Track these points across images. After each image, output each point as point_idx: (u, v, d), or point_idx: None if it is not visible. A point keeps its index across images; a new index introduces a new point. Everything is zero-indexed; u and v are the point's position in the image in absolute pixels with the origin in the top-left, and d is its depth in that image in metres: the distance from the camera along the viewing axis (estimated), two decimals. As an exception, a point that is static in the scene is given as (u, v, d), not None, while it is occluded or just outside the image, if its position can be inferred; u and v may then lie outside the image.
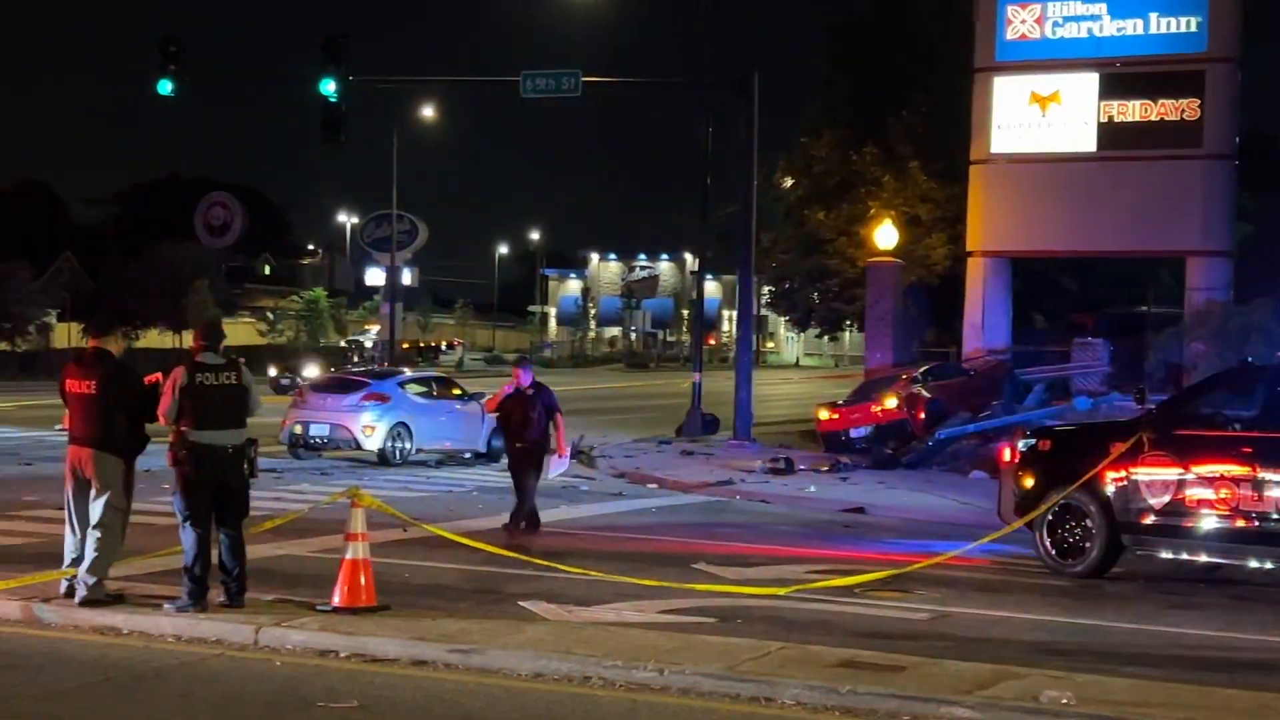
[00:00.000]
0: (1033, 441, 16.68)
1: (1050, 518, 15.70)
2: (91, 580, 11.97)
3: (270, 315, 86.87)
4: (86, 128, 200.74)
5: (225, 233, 70.34)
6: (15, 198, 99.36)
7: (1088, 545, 15.49)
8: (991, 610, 13.46)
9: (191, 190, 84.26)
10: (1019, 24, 32.46)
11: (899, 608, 13.36)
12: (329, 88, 32.76)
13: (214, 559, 12.15)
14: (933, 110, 40.31)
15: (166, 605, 11.97)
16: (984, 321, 33.79)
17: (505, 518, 18.91)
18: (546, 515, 20.38)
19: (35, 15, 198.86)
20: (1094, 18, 31.79)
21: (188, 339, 67.27)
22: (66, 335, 68.00)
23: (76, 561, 12.16)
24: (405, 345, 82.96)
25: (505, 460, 28.20)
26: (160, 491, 17.12)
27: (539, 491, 20.77)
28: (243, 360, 12.79)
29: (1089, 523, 15.47)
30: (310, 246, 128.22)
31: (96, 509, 12.04)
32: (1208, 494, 14.63)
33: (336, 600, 12.00)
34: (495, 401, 19.47)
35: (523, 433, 18.38)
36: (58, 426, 13.33)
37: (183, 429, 12.03)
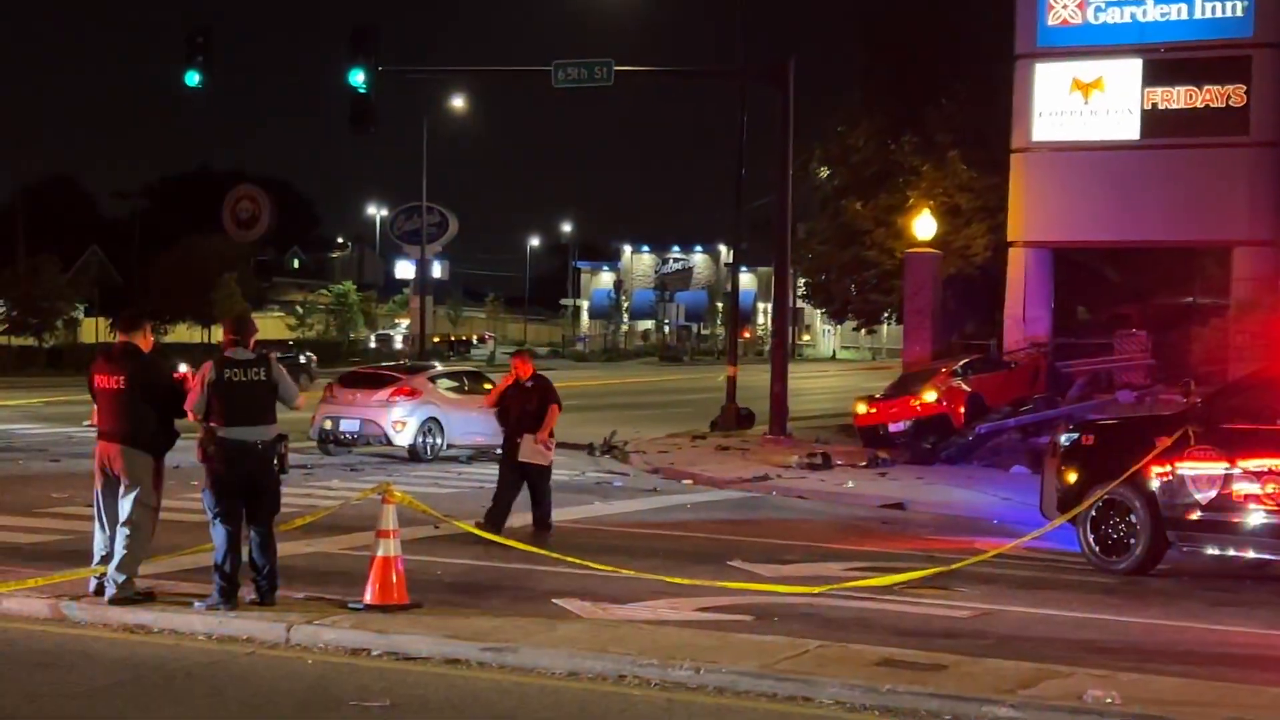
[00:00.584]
0: (1075, 436, 16.45)
1: (1094, 514, 15.46)
2: (121, 578, 11.87)
3: (299, 309, 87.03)
4: (115, 121, 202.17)
5: (254, 226, 70.62)
6: (43, 192, 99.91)
7: (1132, 541, 15.24)
8: (1034, 608, 13.24)
9: (220, 183, 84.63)
10: (1060, 9, 32.07)
11: (939, 605, 13.15)
12: (358, 78, 32.67)
13: (244, 556, 12.02)
14: (972, 98, 39.94)
15: (197, 603, 11.87)
16: (1025, 313, 33.45)
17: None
18: (580, 511, 20.26)
19: (64, 8, 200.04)
20: (1137, 2, 31.38)
21: (216, 333, 67.62)
22: (94, 330, 68.28)
23: (106, 559, 12.07)
24: (436, 339, 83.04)
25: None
26: (190, 488, 17.08)
27: (571, 486, 20.65)
28: (274, 354, 12.62)
29: (1133, 519, 15.21)
30: (340, 240, 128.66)
31: (125, 506, 11.93)
32: (1255, 489, 14.37)
33: (368, 598, 11.88)
34: (494, 395, 18.70)
35: (520, 428, 17.77)
36: (86, 423, 13.26)
37: (212, 425, 11.90)
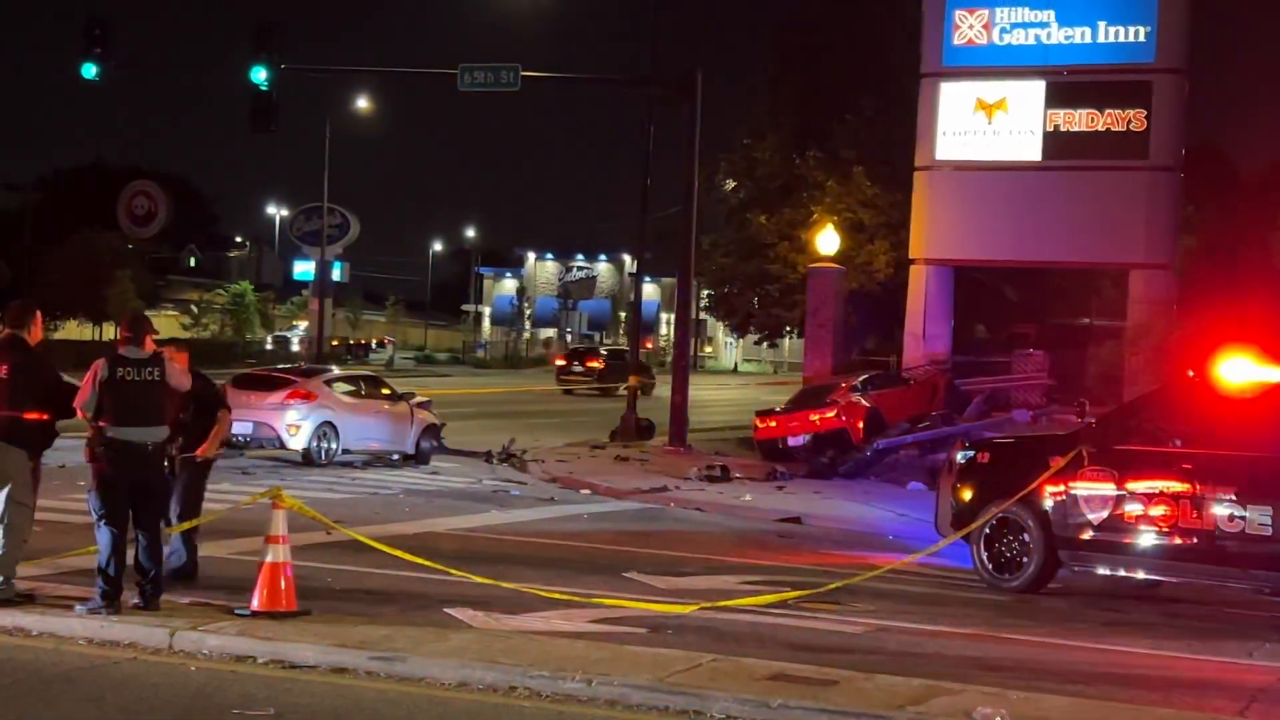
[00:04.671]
0: (971, 453, 16.56)
1: (987, 531, 15.54)
2: (-1, 579, 11.55)
3: (195, 308, 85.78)
4: (7, 111, 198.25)
5: (149, 222, 69.33)
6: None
7: (1025, 560, 15.34)
8: (927, 624, 13.27)
9: (116, 178, 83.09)
10: (966, 29, 32.38)
11: (833, 620, 13.13)
12: (260, 75, 32.28)
13: (129, 559, 11.74)
14: (877, 115, 40.26)
15: (78, 606, 11.60)
16: (925, 330, 33.71)
17: (433, 523, 18.50)
18: (477, 520, 20.06)
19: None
20: (1042, 25, 31.76)
21: (109, 330, 66.52)
22: (-21, 324, 66.73)
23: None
24: (335, 342, 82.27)
25: (430, 463, 28.08)
26: (77, 488, 16.68)
27: (468, 494, 20.38)
28: (169, 351, 12.32)
29: (1026, 537, 15.31)
30: (238, 239, 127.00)
31: (-1, 504, 11.61)
32: (1147, 510, 14.49)
33: (255, 604, 11.66)
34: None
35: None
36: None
37: (101, 424, 11.63)
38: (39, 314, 12.31)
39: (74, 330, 71.33)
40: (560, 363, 67.07)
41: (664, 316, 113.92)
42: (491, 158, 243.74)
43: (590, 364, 63.48)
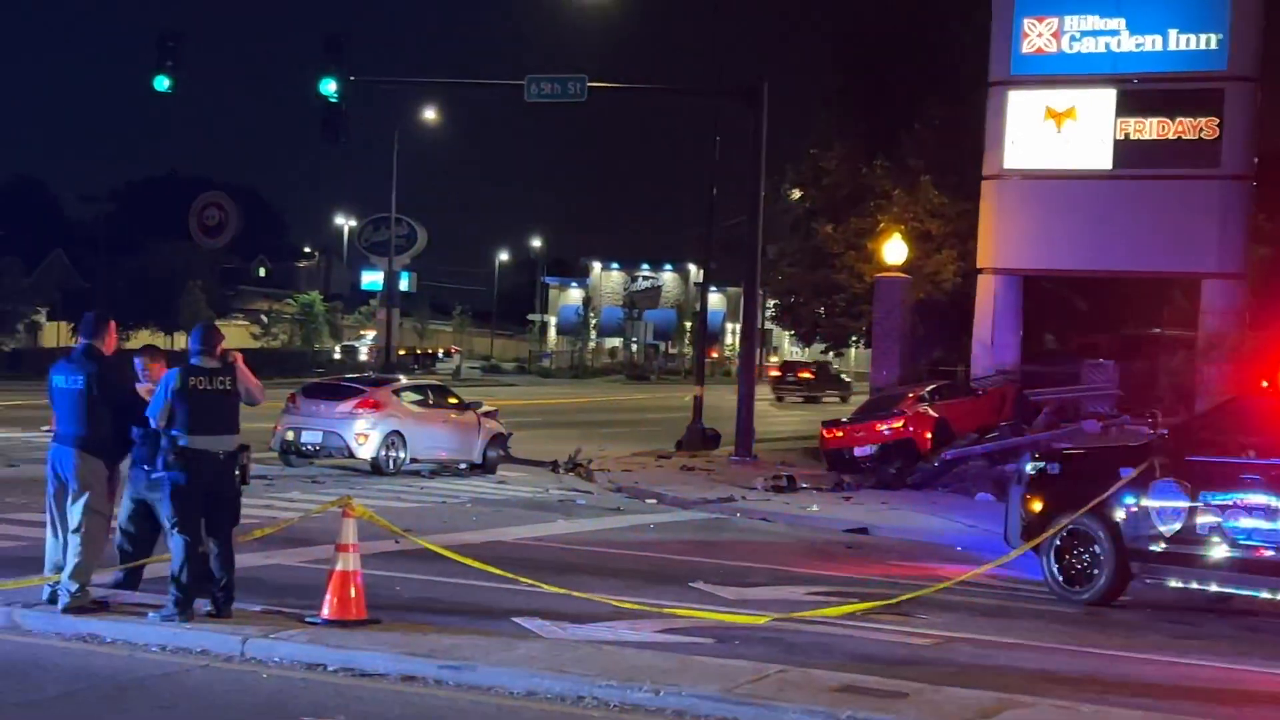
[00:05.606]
0: (1041, 464, 16.41)
1: (1058, 543, 15.42)
2: (74, 586, 11.68)
3: (264, 318, 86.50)
4: (84, 124, 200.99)
5: (220, 233, 70.03)
6: (9, 193, 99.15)
7: (1095, 572, 15.21)
8: (996, 636, 13.16)
9: (188, 189, 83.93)
10: (1035, 38, 32.12)
11: (901, 632, 13.07)
12: (330, 87, 32.52)
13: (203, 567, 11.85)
14: (945, 124, 39.98)
15: (151, 614, 11.72)
16: (993, 340, 33.45)
17: (500, 532, 18.55)
18: (543, 529, 20.12)
19: (35, 8, 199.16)
20: (1112, 33, 31.45)
21: (180, 340, 67.14)
22: (56, 334, 67.64)
23: (59, 567, 11.86)
24: (402, 352, 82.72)
25: (497, 472, 28.22)
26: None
27: (534, 504, 20.38)
28: (239, 357, 12.39)
29: (1097, 549, 15.18)
30: (307, 249, 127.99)
31: (75, 512, 11.74)
32: (1220, 522, 14.33)
33: (326, 612, 11.73)
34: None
35: None
36: (45, 428, 13.05)
37: (174, 434, 11.74)
38: (113, 324, 12.45)
39: (146, 339, 72.00)
40: (775, 374, 74.86)
41: (729, 326, 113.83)
42: (558, 168, 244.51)
43: (802, 375, 72.20)
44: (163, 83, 32.69)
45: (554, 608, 13.08)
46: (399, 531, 14.15)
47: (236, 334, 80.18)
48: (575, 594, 13.36)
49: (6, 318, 65.74)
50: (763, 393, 56.49)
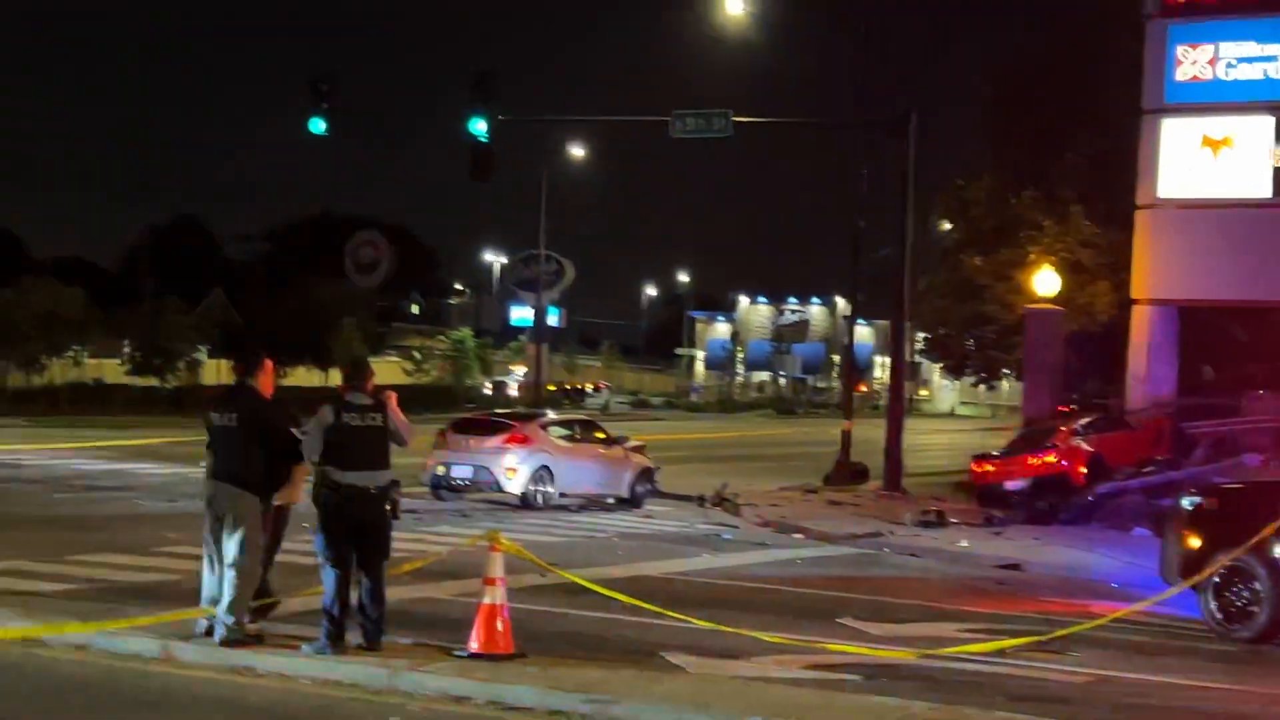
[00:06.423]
0: (1198, 499, 16.04)
1: (1216, 580, 15.04)
2: (230, 619, 11.90)
3: (417, 355, 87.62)
4: (242, 165, 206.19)
5: (373, 271, 71.49)
6: (171, 233, 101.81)
7: (1255, 610, 14.83)
8: (1151, 675, 12.88)
9: (342, 228, 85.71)
10: (1189, 65, 31.52)
11: (1053, 669, 12.82)
12: (478, 126, 32.93)
13: (353, 600, 12.01)
14: (1097, 153, 39.43)
15: (304, 647, 11.88)
16: (1148, 372, 32.78)
17: (647, 567, 18.55)
18: (689, 564, 20.09)
19: (194, 53, 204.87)
20: (1269, 59, 30.75)
21: (334, 377, 68.33)
22: (215, 371, 69.07)
23: (215, 600, 12.10)
24: (551, 387, 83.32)
25: (644, 506, 28.28)
26: (303, 531, 17.15)
27: (680, 538, 20.25)
28: (392, 395, 12.54)
29: (1257, 586, 14.80)
30: (458, 286, 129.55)
31: (231, 547, 11.96)
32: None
33: (473, 646, 11.81)
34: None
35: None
36: (204, 463, 13.34)
37: (326, 468, 11.93)
38: (268, 362, 12.67)
39: (302, 376, 73.43)
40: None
41: (878, 359, 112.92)
42: (704, 202, 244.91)
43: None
44: (317, 125, 33.45)
45: (700, 643, 13.05)
46: (546, 565, 14.20)
47: (389, 370, 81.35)
48: (722, 628, 13.31)
49: (168, 355, 67.28)
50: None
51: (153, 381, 67.32)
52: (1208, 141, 31.43)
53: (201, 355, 72.04)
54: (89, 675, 11.39)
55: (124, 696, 10.79)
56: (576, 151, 62.36)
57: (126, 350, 68.07)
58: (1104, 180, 38.27)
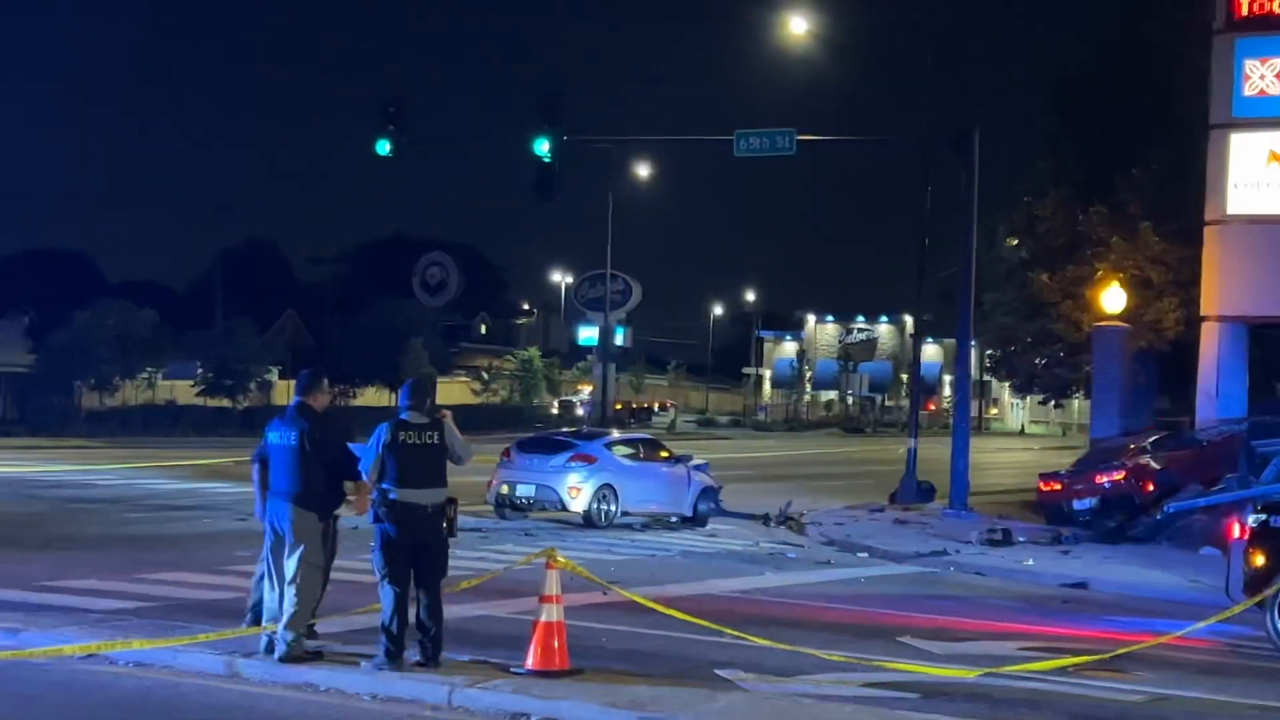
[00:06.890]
0: (1264, 517, 15.86)
1: (1282, 598, 14.86)
2: (290, 636, 12.02)
3: (485, 375, 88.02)
4: (314, 188, 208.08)
5: (441, 291, 71.97)
6: (244, 256, 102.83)
7: (1322, 629, 14.61)
8: (1214, 695, 12.75)
9: (412, 249, 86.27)
10: (1257, 79, 31.18)
11: (1113, 689, 12.71)
12: (543, 147, 33.14)
13: (411, 617, 12.11)
14: (1165, 168, 39.05)
15: (363, 663, 11.99)
16: (1218, 390, 32.39)
17: (709, 585, 18.51)
18: (752, 582, 20.07)
19: (266, 77, 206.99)
20: (1339, 72, 30.41)
21: (403, 398, 68.72)
22: (287, 392, 69.63)
23: (276, 617, 12.23)
24: (618, 406, 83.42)
25: (708, 525, 28.26)
26: (365, 549, 17.29)
27: (744, 556, 20.20)
28: (447, 414, 12.64)
29: (1324, 605, 14.59)
30: (525, 305, 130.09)
31: (290, 565, 12.10)
32: None
33: (530, 662, 11.89)
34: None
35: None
36: (253, 479, 13.48)
37: (384, 486, 12.06)
38: (325, 382, 12.86)
39: (372, 397, 73.93)
40: None
41: (946, 378, 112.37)
42: (770, 221, 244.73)
43: None
44: (384, 147, 33.84)
45: (759, 660, 13.05)
46: (604, 583, 14.28)
47: (458, 390, 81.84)
48: (780, 646, 13.31)
49: (240, 376, 67.88)
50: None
51: (224, 402, 67.92)
52: (1275, 157, 31.07)
53: (273, 376, 72.64)
54: (150, 690, 11.54)
55: (186, 712, 10.93)
56: (642, 172, 62.53)
57: (200, 371, 68.77)
58: (1172, 195, 37.91)
